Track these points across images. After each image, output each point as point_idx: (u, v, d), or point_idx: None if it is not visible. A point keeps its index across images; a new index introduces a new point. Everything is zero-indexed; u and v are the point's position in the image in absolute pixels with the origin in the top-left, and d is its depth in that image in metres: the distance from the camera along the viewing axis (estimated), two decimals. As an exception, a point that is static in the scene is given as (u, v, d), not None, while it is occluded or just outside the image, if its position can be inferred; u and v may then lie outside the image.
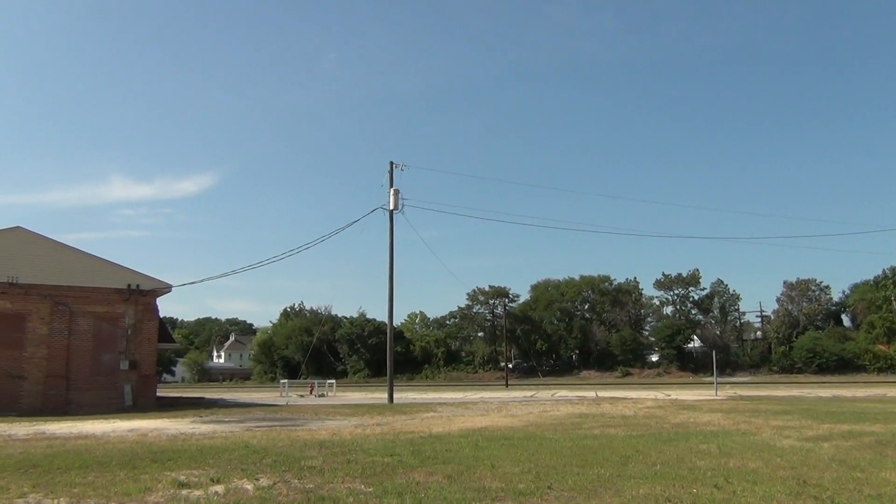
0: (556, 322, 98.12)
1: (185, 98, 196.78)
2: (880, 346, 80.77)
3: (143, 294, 29.85)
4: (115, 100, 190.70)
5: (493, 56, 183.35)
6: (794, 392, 41.79)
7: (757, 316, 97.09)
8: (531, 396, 39.36)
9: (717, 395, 37.94)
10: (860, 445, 12.82)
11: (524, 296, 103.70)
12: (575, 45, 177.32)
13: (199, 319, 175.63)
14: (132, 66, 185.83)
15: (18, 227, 29.22)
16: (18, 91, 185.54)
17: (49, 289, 28.08)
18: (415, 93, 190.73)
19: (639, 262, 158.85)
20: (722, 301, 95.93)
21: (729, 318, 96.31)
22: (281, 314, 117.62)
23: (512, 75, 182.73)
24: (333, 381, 52.08)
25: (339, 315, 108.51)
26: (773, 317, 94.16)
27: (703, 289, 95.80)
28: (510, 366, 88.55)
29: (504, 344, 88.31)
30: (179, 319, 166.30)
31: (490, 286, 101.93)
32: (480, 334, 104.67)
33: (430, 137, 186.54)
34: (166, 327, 38.30)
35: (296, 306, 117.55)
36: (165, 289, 31.13)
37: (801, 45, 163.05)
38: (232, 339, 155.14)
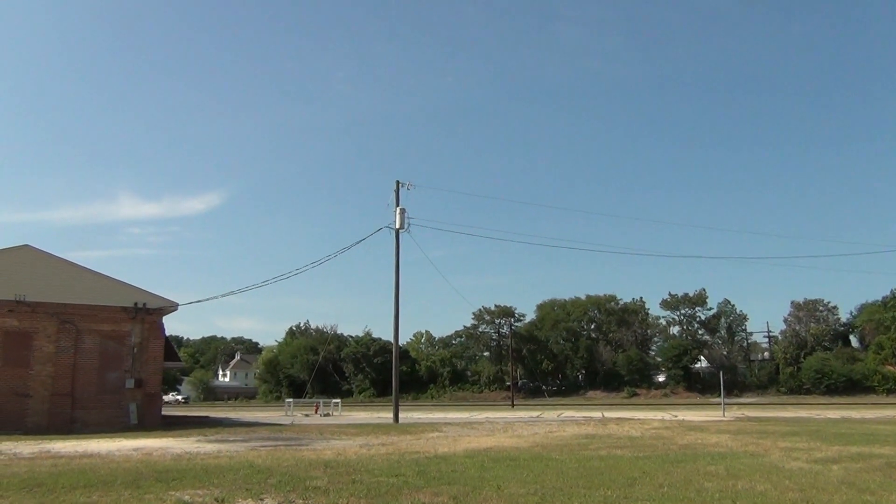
0: (562, 342, 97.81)
1: (193, 117, 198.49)
2: (889, 367, 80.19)
3: (150, 312, 29.90)
4: (124, 118, 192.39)
5: (501, 75, 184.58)
6: (803, 413, 41.49)
7: (764, 336, 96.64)
8: (537, 417, 39.16)
9: (724, 415, 37.68)
10: (870, 468, 12.70)
11: (530, 315, 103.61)
12: (583, 65, 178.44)
13: (204, 338, 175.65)
14: (141, 85, 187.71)
15: (26, 245, 29.35)
16: (27, 109, 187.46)
17: (56, 307, 28.17)
18: (422, 112, 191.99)
19: (645, 281, 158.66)
20: (729, 321, 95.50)
21: (736, 338, 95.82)
22: (286, 333, 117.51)
23: (520, 94, 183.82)
24: (339, 400, 51.93)
25: (345, 334, 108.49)
26: (780, 337, 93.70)
27: (710, 309, 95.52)
28: (517, 385, 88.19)
29: (510, 364, 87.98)
30: (185, 338, 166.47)
31: (496, 305, 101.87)
32: (486, 354, 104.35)
33: (438, 156, 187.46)
34: (172, 346, 38.32)
35: (301, 325, 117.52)
36: (172, 307, 31.19)
37: (811, 65, 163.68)
38: (237, 357, 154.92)
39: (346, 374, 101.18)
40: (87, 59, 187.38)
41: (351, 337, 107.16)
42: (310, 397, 65.66)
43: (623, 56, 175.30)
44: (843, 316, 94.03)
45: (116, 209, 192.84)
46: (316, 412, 45.66)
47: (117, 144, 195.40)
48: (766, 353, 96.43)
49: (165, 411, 55.11)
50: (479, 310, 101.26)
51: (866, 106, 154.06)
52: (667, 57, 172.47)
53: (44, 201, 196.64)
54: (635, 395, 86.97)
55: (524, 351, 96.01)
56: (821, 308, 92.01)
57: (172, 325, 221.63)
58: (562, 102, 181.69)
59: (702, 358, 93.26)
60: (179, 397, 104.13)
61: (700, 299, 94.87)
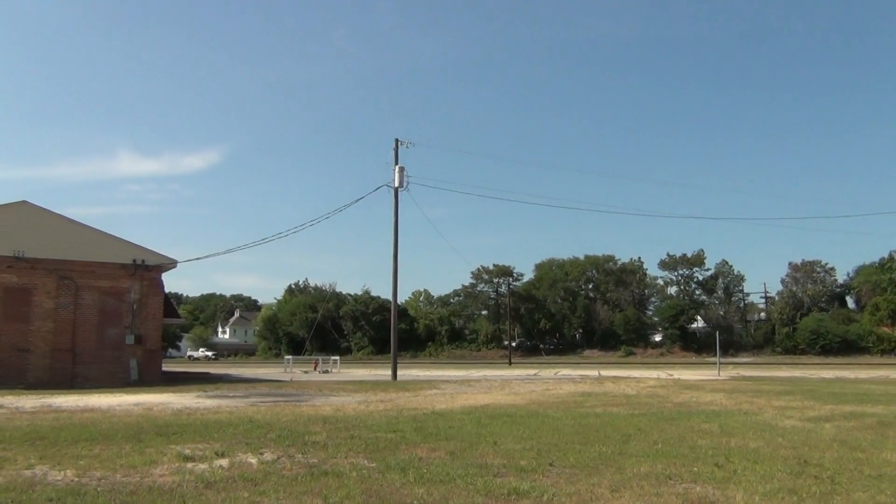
0: (559, 301, 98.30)
1: (193, 72, 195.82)
2: (884, 328, 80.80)
3: (149, 269, 29.94)
4: (123, 74, 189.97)
5: (503, 32, 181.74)
6: (797, 373, 41.89)
7: (761, 297, 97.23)
8: (534, 375, 39.53)
9: (719, 375, 38.06)
10: (862, 426, 12.86)
11: (528, 275, 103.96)
12: (586, 22, 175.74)
13: (203, 295, 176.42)
14: (140, 41, 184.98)
15: (24, 201, 29.24)
16: (26, 65, 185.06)
17: (55, 263, 28.20)
18: (424, 69, 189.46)
19: (643, 242, 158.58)
20: (726, 282, 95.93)
21: (733, 298, 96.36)
22: (286, 291, 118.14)
23: (521, 52, 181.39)
24: (338, 357, 52.40)
25: (344, 292, 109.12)
26: (777, 298, 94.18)
27: (708, 269, 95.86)
28: (513, 344, 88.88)
29: (508, 322, 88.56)
30: (184, 295, 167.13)
31: (494, 265, 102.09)
32: (484, 313, 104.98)
33: (439, 114, 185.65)
34: (171, 302, 38.49)
35: (300, 283, 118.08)
36: (170, 264, 31.24)
37: (814, 21, 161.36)
38: (237, 314, 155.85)
39: (345, 332, 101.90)
40: (85, 14, 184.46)
41: (350, 295, 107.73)
42: (309, 354, 66.24)
43: (627, 14, 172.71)
44: (840, 277, 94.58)
45: (115, 166, 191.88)
46: (315, 369, 46.07)
47: (116, 101, 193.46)
48: (763, 314, 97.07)
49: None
50: (478, 269, 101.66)
51: (870, 67, 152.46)
52: (671, 14, 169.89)
53: (42, 157, 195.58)
54: (632, 354, 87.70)
55: (522, 310, 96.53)
56: (818, 269, 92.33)
57: (172, 282, 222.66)
58: (563, 60, 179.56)
59: (698, 318, 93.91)
60: (209, 353, 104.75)
61: (698, 260, 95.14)
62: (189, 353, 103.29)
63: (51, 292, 28.10)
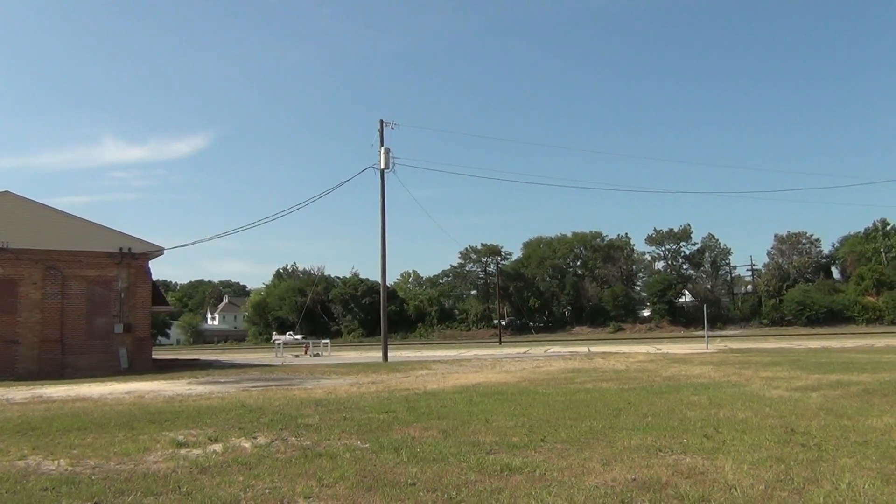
0: (548, 279, 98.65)
1: (177, 58, 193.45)
2: (869, 298, 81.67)
3: (136, 257, 29.76)
4: (107, 60, 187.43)
5: (491, 11, 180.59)
6: (784, 344, 42.32)
7: (748, 270, 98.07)
8: (524, 353, 39.71)
9: (707, 348, 38.37)
10: (847, 395, 13.04)
11: (516, 253, 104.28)
12: (572, 1, 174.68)
13: (192, 282, 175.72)
14: (123, 26, 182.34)
15: (7, 191, 28.93)
16: (8, 52, 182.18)
17: (40, 253, 27.97)
18: (412, 49, 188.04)
19: (630, 217, 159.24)
20: (713, 255, 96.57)
21: (720, 272, 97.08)
22: (274, 275, 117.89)
23: (508, 31, 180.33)
24: (328, 340, 52.36)
25: (333, 275, 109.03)
26: (763, 270, 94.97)
27: (695, 244, 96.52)
28: (503, 323, 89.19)
29: (497, 301, 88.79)
30: (173, 282, 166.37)
31: (482, 244, 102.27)
32: (473, 292, 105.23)
33: (426, 95, 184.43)
34: (159, 290, 38.28)
35: (289, 267, 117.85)
36: (157, 251, 31.05)
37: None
38: (226, 300, 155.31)
39: (335, 315, 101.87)
40: (68, 1, 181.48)
41: (339, 278, 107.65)
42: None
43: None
44: (826, 248, 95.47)
45: (100, 153, 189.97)
46: (306, 353, 46.04)
47: (100, 87, 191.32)
48: (750, 286, 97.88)
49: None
50: (466, 249, 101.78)
51: (852, 41, 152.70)
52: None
53: (24, 146, 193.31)
54: (621, 329, 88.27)
55: (511, 289, 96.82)
56: (804, 241, 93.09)
57: (160, 270, 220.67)
58: (549, 39, 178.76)
59: (686, 292, 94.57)
60: (298, 337, 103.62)
61: (685, 234, 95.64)
62: (275, 339, 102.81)
63: (37, 283, 27.89)
